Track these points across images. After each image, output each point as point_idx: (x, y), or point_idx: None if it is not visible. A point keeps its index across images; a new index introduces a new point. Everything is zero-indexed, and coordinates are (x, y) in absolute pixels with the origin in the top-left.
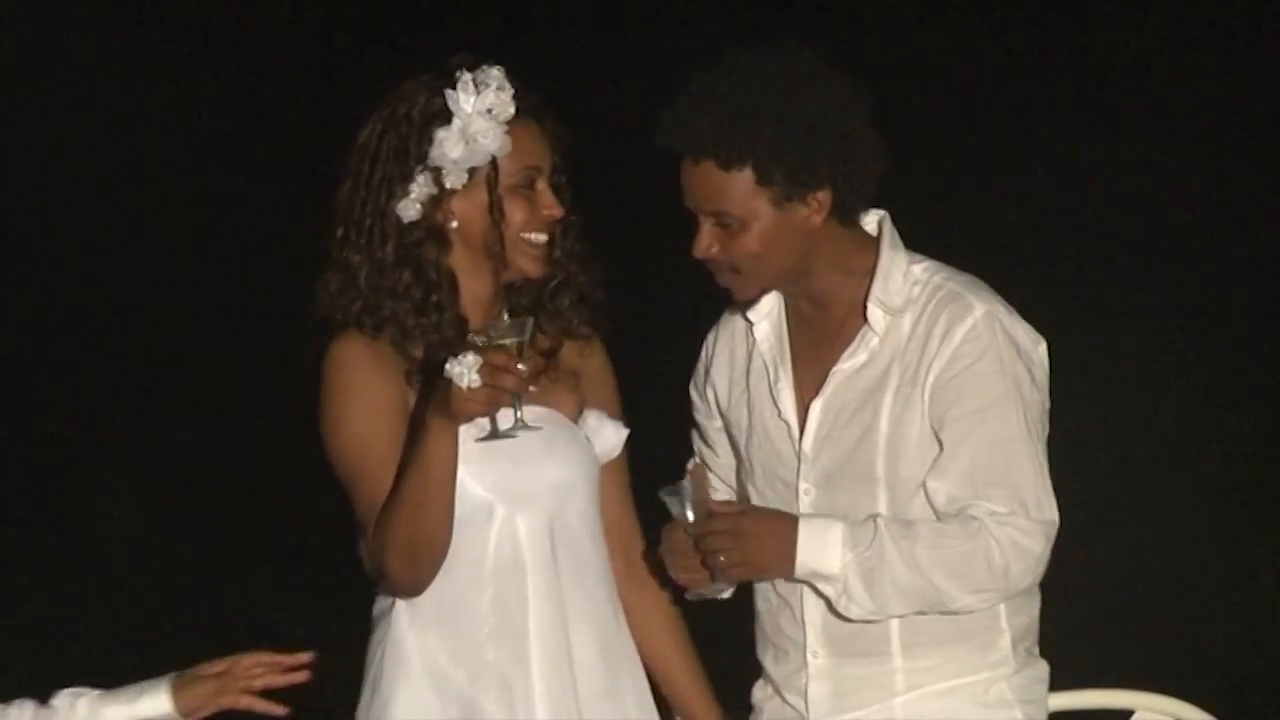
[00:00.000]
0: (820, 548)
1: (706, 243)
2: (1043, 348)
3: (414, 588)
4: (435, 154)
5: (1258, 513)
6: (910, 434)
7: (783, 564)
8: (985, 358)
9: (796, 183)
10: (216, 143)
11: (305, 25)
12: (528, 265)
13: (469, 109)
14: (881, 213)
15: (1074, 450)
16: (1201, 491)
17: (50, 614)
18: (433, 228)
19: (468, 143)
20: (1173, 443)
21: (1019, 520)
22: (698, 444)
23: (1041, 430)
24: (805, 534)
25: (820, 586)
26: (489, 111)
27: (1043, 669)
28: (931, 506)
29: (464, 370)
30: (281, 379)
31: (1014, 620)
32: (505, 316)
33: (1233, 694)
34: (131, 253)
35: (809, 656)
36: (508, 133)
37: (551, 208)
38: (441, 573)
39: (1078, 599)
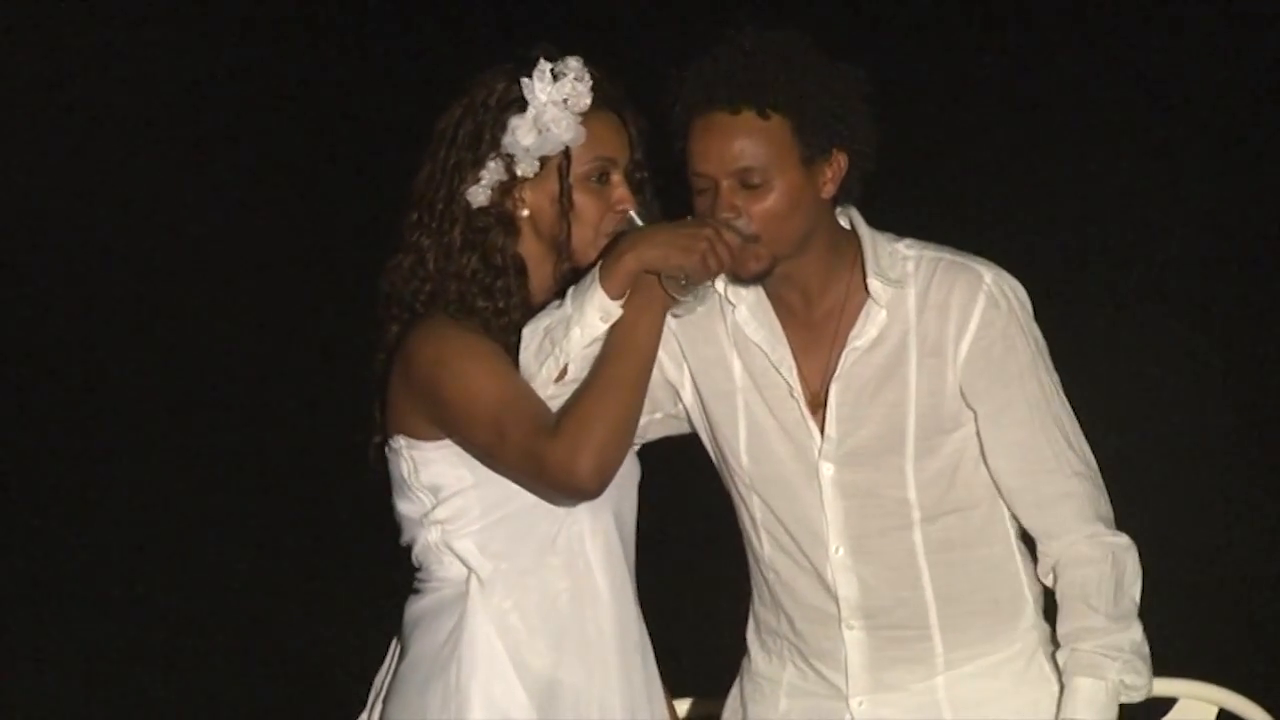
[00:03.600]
0: None
1: (728, 203)
2: None
3: (606, 478)
4: (508, 141)
5: None
6: (942, 405)
7: None
8: (1010, 323)
9: (824, 139)
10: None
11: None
12: None
13: (544, 98)
14: (849, 207)
15: (1120, 433)
16: (1248, 474)
17: (61, 618)
18: (502, 214)
19: (540, 131)
20: (1219, 424)
21: (1098, 504)
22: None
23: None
24: None
25: None
26: (564, 101)
27: None
28: (999, 487)
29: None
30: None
31: (1033, 587)
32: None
33: (1277, 681)
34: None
35: (844, 630)
36: (582, 123)
37: (625, 201)
38: (510, 557)
39: None
